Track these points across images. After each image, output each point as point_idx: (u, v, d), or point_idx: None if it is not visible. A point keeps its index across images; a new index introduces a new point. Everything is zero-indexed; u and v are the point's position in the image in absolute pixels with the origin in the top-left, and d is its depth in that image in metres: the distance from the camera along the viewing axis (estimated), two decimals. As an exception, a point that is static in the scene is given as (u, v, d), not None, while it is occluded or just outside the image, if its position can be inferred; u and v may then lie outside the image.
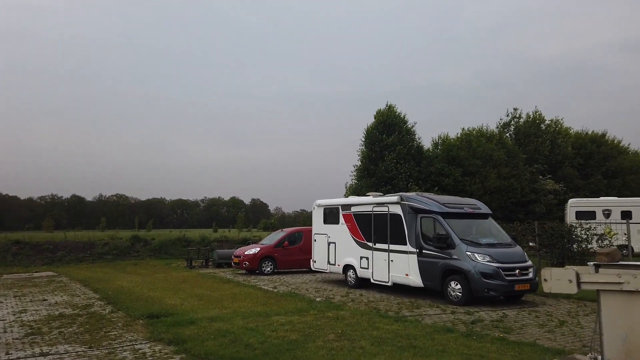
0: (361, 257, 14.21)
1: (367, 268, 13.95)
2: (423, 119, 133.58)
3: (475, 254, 11.31)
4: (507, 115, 37.63)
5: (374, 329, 8.44)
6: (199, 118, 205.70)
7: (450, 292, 11.51)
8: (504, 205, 29.85)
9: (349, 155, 52.43)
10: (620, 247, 15.64)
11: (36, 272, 20.17)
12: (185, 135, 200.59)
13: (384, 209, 13.53)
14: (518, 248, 12.25)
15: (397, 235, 12.92)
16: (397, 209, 13.05)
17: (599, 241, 14.92)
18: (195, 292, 13.36)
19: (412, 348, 7.11)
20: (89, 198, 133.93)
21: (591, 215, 22.35)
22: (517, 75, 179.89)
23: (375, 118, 30.14)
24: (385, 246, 13.35)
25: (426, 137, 71.74)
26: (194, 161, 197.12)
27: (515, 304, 11.39)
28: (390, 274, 13.09)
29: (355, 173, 30.34)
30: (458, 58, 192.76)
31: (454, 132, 38.02)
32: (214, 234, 37.21)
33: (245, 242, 25.72)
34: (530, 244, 17.08)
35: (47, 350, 7.27)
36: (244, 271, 18.95)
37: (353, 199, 15.75)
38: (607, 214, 22.52)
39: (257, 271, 18.43)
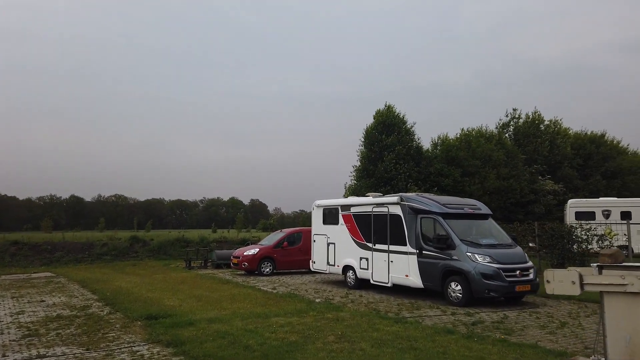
0: (361, 258, 14.15)
1: (367, 269, 13.89)
2: (423, 119, 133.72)
3: (476, 255, 11.26)
4: (507, 116, 37.63)
5: (374, 330, 8.38)
6: (199, 118, 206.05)
7: (450, 293, 11.46)
8: (504, 206, 29.80)
9: (348, 156, 52.49)
10: (621, 247, 15.53)
11: (34, 272, 20.10)
12: (185, 135, 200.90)
13: (384, 209, 13.47)
14: (518, 249, 12.20)
15: (397, 235, 12.86)
16: (397, 210, 12.99)
17: (599, 242, 14.90)
18: (194, 293, 13.30)
19: (412, 350, 7.05)
20: (87, 198, 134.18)
21: (591, 215, 22.32)
22: (517, 76, 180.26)
23: (374, 118, 30.09)
24: (385, 247, 13.29)
25: (426, 138, 71.87)
26: (194, 161, 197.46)
27: (515, 305, 11.33)
28: (390, 274, 13.04)
29: (354, 173, 30.28)
30: (458, 58, 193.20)
31: (453, 133, 37.92)
32: (213, 235, 37.16)
33: (245, 242, 25.65)
34: (530, 244, 17.04)
35: (44, 352, 7.20)
36: (243, 272, 18.88)
37: (352, 200, 15.69)
38: (606, 214, 22.50)
39: (256, 272, 18.37)
